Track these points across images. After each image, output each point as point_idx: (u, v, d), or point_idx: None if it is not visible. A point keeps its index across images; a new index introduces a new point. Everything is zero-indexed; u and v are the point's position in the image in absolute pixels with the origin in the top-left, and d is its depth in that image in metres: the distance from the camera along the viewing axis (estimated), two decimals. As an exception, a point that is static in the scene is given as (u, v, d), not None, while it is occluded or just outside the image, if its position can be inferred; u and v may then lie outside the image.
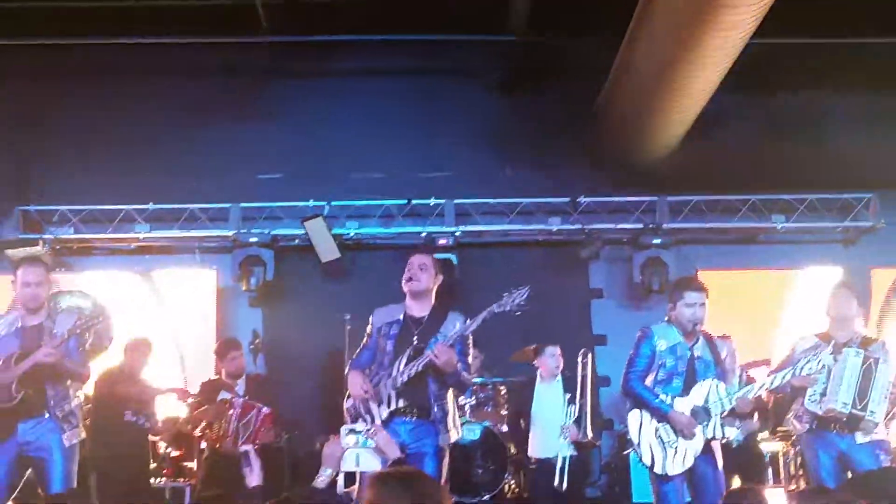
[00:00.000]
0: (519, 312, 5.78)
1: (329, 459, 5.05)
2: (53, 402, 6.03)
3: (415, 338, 5.81)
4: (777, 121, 10.53)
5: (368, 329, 6.05)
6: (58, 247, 10.37)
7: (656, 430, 6.04)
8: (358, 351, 6.08)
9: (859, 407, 6.20)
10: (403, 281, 5.91)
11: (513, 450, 8.52)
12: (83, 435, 6.21)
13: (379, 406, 5.77)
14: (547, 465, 7.78)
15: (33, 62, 10.45)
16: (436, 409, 5.79)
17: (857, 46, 10.03)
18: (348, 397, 5.97)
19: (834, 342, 6.35)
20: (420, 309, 5.92)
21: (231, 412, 7.61)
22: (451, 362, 5.68)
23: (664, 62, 8.31)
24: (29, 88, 10.57)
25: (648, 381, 6.13)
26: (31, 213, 10.45)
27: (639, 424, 6.11)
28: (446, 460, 5.88)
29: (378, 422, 5.69)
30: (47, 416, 5.97)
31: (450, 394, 5.88)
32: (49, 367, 5.94)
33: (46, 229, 10.44)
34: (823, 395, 6.28)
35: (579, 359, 7.96)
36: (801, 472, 8.07)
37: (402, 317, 5.93)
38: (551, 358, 8.12)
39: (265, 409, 7.59)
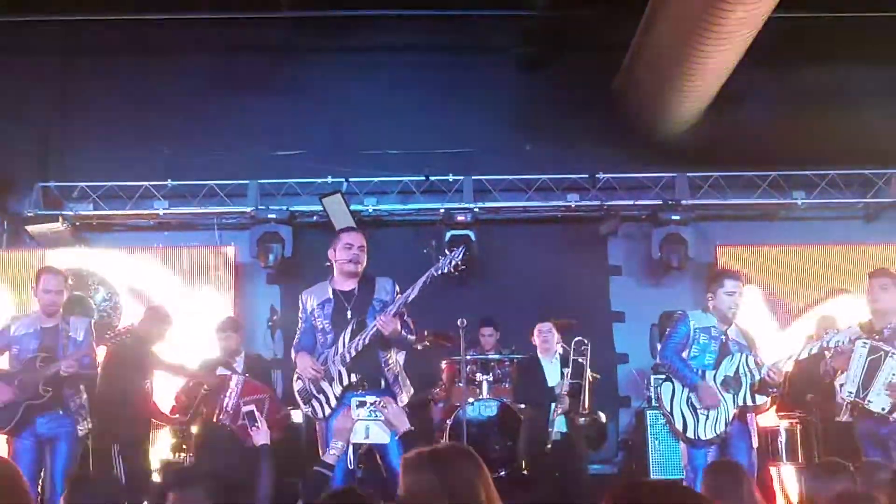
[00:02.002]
0: (457, 273, 5.81)
1: (340, 433, 5.07)
2: (68, 399, 6.83)
3: (348, 311, 5.90)
4: (798, 96, 10.42)
5: (301, 312, 6.11)
6: (77, 223, 10.42)
7: (688, 399, 6.37)
8: (297, 336, 6.15)
9: (861, 395, 6.27)
10: (342, 261, 5.98)
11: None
12: (90, 426, 6.96)
13: (331, 384, 5.83)
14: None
15: (53, 39, 10.50)
16: (387, 375, 5.88)
17: (879, 20, 9.90)
18: (297, 380, 6.03)
19: (872, 331, 6.47)
20: (348, 283, 6.00)
21: (230, 388, 7.66)
22: (396, 330, 5.79)
23: (684, 37, 8.25)
24: (49, 65, 10.62)
25: (683, 356, 6.45)
26: (51, 189, 10.50)
27: (671, 394, 6.44)
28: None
29: (333, 401, 5.77)
30: (61, 412, 6.78)
31: (393, 355, 6.00)
32: (66, 375, 6.72)
33: (66, 205, 10.49)
34: (842, 384, 6.52)
35: (578, 347, 7.94)
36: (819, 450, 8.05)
37: (331, 294, 5.99)
38: (539, 335, 8.13)
39: (261, 395, 7.62)
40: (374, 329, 5.79)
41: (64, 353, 6.78)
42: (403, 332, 5.87)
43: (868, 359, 6.32)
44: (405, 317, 5.95)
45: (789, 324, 10.18)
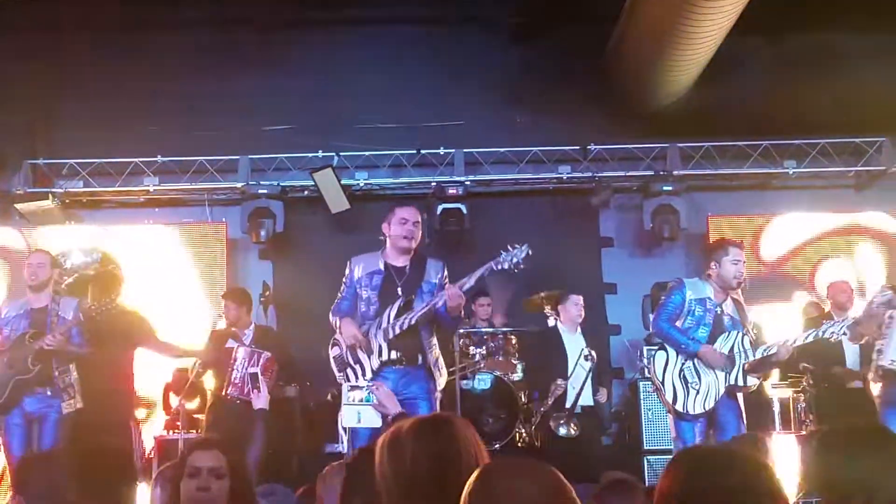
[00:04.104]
0: (516, 271, 5.83)
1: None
2: (57, 375, 6.88)
3: (399, 288, 5.91)
4: (789, 64, 10.39)
5: (346, 278, 6.10)
6: (67, 200, 10.36)
7: (681, 371, 6.36)
8: (338, 299, 6.13)
9: None
10: (396, 234, 5.95)
11: (523, 399, 8.54)
12: (79, 405, 6.94)
13: (369, 356, 5.84)
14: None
15: (41, 15, 10.39)
16: (428, 357, 5.92)
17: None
18: (333, 345, 6.03)
19: None
20: (401, 259, 6.01)
21: (236, 360, 7.66)
22: (460, 307, 5.78)
23: (674, 6, 8.21)
24: (37, 42, 10.51)
25: (677, 325, 6.44)
26: (40, 166, 10.44)
27: (664, 364, 6.43)
28: (437, 404, 5.98)
29: (369, 373, 5.79)
30: (49, 391, 6.86)
31: (434, 339, 6.00)
32: (54, 350, 6.82)
33: (55, 183, 10.44)
34: (880, 351, 6.58)
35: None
36: (811, 418, 8.11)
37: (382, 266, 5.98)
38: (574, 307, 8.14)
39: (266, 354, 7.65)
40: (426, 309, 5.80)
41: (52, 331, 6.85)
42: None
43: None
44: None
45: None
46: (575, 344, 8.08)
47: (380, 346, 5.88)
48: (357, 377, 5.92)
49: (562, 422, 7.80)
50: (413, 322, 5.85)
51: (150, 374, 8.49)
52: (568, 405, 7.91)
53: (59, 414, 6.86)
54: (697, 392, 6.30)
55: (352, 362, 5.95)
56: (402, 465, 2.82)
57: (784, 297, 10.09)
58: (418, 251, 6.12)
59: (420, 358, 5.94)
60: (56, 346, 6.78)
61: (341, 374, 6.04)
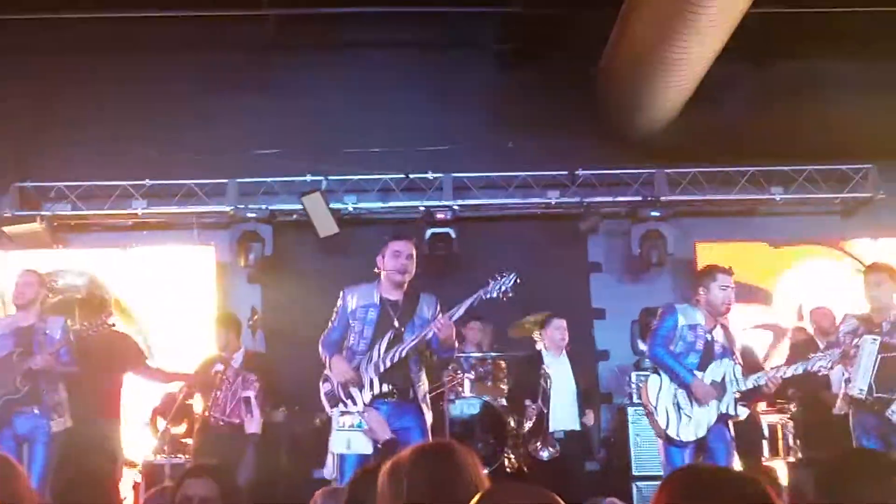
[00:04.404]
0: (504, 299, 5.85)
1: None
2: (45, 396, 6.83)
3: (395, 322, 5.91)
4: (775, 91, 10.43)
5: (338, 308, 6.09)
6: (55, 223, 10.32)
7: (674, 397, 6.36)
8: (328, 330, 6.12)
9: (877, 393, 6.30)
10: (390, 269, 5.96)
11: (512, 424, 8.52)
12: (69, 424, 6.92)
13: (360, 391, 5.83)
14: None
15: (30, 37, 10.38)
16: (418, 390, 5.92)
17: (856, 15, 9.94)
18: (325, 381, 6.02)
19: (871, 325, 6.55)
20: (395, 293, 6.00)
21: (223, 384, 7.63)
22: (452, 336, 5.78)
23: (661, 33, 8.27)
24: (25, 64, 10.51)
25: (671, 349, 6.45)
26: (27, 189, 10.41)
27: (657, 389, 6.42)
28: (429, 436, 5.98)
29: (360, 406, 5.78)
30: (38, 410, 6.78)
31: (423, 374, 6.02)
32: (42, 370, 6.77)
33: (43, 205, 10.40)
34: (848, 380, 6.55)
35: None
36: (798, 444, 8.12)
37: (377, 300, 5.98)
38: (556, 331, 8.13)
39: (252, 377, 7.63)
40: (415, 342, 5.81)
41: (40, 350, 6.80)
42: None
43: (879, 356, 6.35)
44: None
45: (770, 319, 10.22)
46: (559, 368, 8.07)
47: (371, 380, 5.86)
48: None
49: (538, 446, 7.77)
50: (403, 355, 5.85)
51: (137, 398, 8.44)
52: (552, 429, 7.89)
53: (49, 434, 6.80)
54: (690, 419, 6.31)
55: (343, 397, 5.93)
56: (400, 493, 2.82)
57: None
58: (412, 286, 6.12)
59: (411, 392, 5.94)
60: (44, 366, 6.74)
61: (334, 409, 6.02)
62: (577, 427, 7.97)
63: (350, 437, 5.33)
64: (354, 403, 5.88)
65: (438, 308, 6.00)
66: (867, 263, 7.06)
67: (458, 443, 3.05)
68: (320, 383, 6.10)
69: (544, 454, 7.73)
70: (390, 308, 5.98)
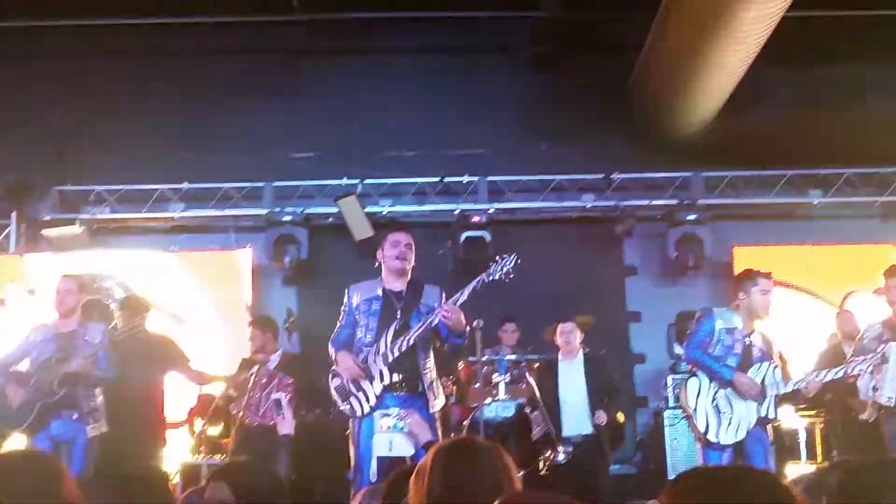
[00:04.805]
0: (507, 280, 5.81)
1: None
2: (82, 401, 6.89)
3: (398, 311, 5.91)
4: (814, 94, 10.39)
5: (345, 306, 6.11)
6: (94, 226, 10.45)
7: (713, 399, 6.35)
8: (336, 329, 6.15)
9: None
10: (389, 258, 5.99)
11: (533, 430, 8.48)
12: (104, 428, 6.97)
13: (371, 382, 5.83)
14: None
15: (70, 42, 10.53)
16: (424, 379, 5.89)
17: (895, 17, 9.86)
18: (333, 377, 6.02)
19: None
20: (398, 284, 6.01)
21: (257, 385, 7.68)
22: (461, 320, 5.77)
23: (698, 37, 8.24)
24: (65, 69, 10.65)
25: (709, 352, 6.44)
26: (67, 192, 10.54)
27: (697, 392, 6.42)
28: (439, 427, 5.97)
29: (372, 399, 5.78)
30: (76, 415, 6.85)
31: (431, 362, 6.00)
32: (79, 374, 6.82)
33: (83, 209, 10.53)
34: (875, 388, 6.53)
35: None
36: (835, 452, 8.05)
37: (380, 292, 5.99)
38: (562, 335, 8.11)
39: (288, 379, 7.66)
40: (421, 329, 5.81)
41: (78, 355, 6.85)
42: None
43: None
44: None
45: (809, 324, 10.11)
46: (571, 371, 8.04)
47: (380, 371, 5.87)
48: (361, 405, 5.92)
49: (549, 453, 7.75)
50: (411, 343, 5.84)
51: (176, 399, 8.51)
52: (564, 433, 7.88)
53: (86, 438, 6.86)
54: (730, 422, 6.29)
55: (354, 391, 5.93)
56: (422, 494, 2.81)
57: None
58: (415, 276, 6.13)
59: (420, 383, 5.94)
60: (81, 370, 6.80)
61: (345, 403, 6.03)
62: (589, 430, 7.92)
63: (392, 438, 5.33)
64: (366, 396, 5.88)
65: (444, 297, 5.98)
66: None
67: (485, 440, 3.01)
68: (329, 378, 6.12)
69: (560, 457, 7.71)
70: (393, 298, 5.98)
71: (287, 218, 10.28)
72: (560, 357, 8.12)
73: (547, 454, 7.74)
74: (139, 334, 7.65)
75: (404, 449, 5.26)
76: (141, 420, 7.54)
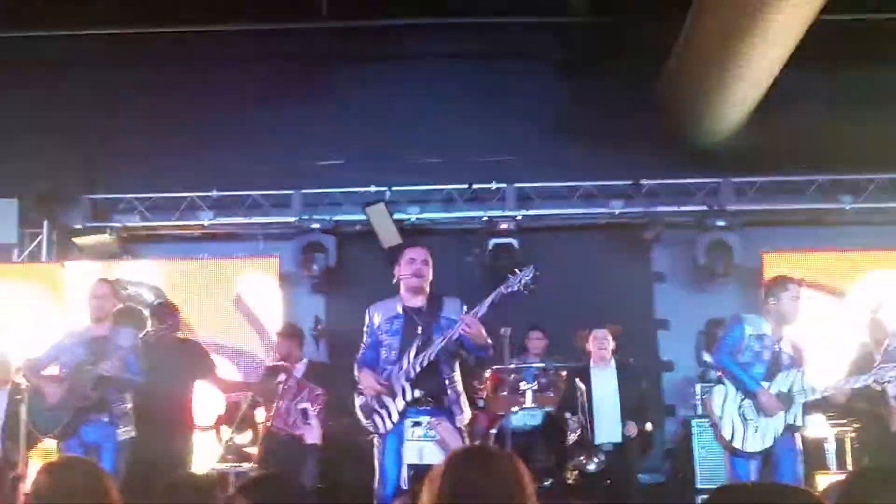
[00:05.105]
0: (527, 292, 5.79)
1: None
2: (113, 404, 6.94)
3: (419, 328, 5.88)
4: (845, 98, 10.30)
5: (367, 327, 6.11)
6: (124, 234, 10.53)
7: (740, 407, 6.32)
8: (361, 350, 6.13)
9: None
10: (406, 275, 5.96)
11: (568, 436, 8.45)
12: (133, 433, 7.00)
13: (394, 399, 5.82)
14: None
15: (99, 51, 10.62)
16: (450, 394, 5.87)
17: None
18: (359, 395, 6.02)
19: None
20: (417, 300, 5.99)
21: (285, 394, 7.69)
22: (482, 333, 5.75)
23: (728, 41, 8.19)
24: (95, 77, 10.74)
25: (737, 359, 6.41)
26: (98, 201, 10.63)
27: (723, 399, 6.38)
28: (467, 441, 5.96)
29: (395, 416, 5.77)
30: (106, 419, 6.91)
31: (458, 375, 5.98)
32: (111, 378, 6.86)
33: (113, 217, 10.62)
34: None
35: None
36: (865, 460, 7.96)
37: (400, 310, 5.98)
38: (595, 341, 8.08)
39: (318, 390, 7.67)
40: (444, 342, 5.79)
41: (110, 358, 6.90)
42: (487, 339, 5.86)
43: None
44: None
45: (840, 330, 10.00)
46: (603, 379, 8.00)
47: (403, 388, 5.85)
48: (384, 422, 5.91)
49: (582, 459, 7.73)
50: (432, 358, 5.81)
51: (203, 406, 8.55)
52: (596, 441, 7.85)
53: (116, 442, 6.91)
54: (756, 430, 6.25)
55: (378, 408, 5.93)
56: (433, 500, 2.81)
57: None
58: (434, 291, 6.11)
59: (445, 398, 5.91)
60: (113, 373, 6.84)
61: (368, 421, 6.02)
62: (618, 440, 7.91)
63: (422, 447, 5.33)
64: (389, 412, 5.88)
65: (464, 310, 5.95)
66: None
67: (501, 450, 3.01)
68: (354, 396, 6.12)
69: (591, 466, 7.69)
70: (414, 315, 5.96)
71: (315, 225, 10.31)
72: (592, 364, 8.09)
73: (581, 460, 7.71)
74: (169, 340, 7.70)
75: (435, 457, 5.26)
76: (169, 425, 7.57)
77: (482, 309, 5.80)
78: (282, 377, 7.85)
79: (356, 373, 6.09)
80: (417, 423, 5.58)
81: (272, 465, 7.40)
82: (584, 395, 7.87)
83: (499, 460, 2.89)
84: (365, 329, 6.16)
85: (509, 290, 5.80)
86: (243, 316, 10.21)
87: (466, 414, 6.01)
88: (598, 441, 7.87)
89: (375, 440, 6.04)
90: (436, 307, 6.00)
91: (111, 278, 7.98)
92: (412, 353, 5.85)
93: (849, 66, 10.28)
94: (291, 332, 8.31)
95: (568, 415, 7.86)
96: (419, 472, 5.58)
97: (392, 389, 5.85)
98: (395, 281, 6.14)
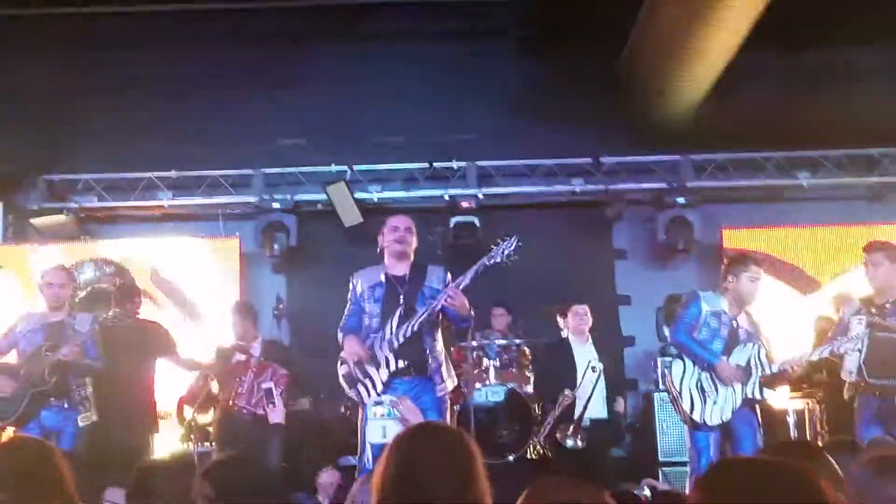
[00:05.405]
0: (509, 263, 5.81)
1: (326, 489, 4.99)
2: (73, 389, 6.91)
3: (401, 297, 5.90)
4: (802, 76, 10.37)
5: (350, 294, 6.11)
6: (82, 215, 10.44)
7: (698, 382, 6.35)
8: (344, 317, 6.14)
9: (870, 376, 6.25)
10: (389, 242, 5.99)
11: (537, 411, 8.52)
12: (94, 418, 6.96)
13: (377, 369, 5.84)
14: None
15: (56, 31, 10.45)
16: (431, 363, 5.90)
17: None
18: (342, 363, 6.03)
19: (873, 306, 6.50)
20: (400, 268, 6.01)
21: (246, 372, 7.66)
22: (465, 304, 5.78)
23: (687, 19, 8.22)
24: (51, 57, 10.57)
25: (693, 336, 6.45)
26: (55, 181, 10.52)
27: (681, 374, 6.42)
28: (448, 410, 5.99)
29: (379, 386, 5.79)
30: (66, 404, 6.88)
31: (440, 345, 6.01)
32: (69, 362, 6.82)
33: (70, 198, 10.51)
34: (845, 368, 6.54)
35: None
36: (826, 429, 8.08)
37: (383, 278, 6.00)
38: (574, 316, 8.11)
39: (282, 371, 7.65)
40: (427, 314, 5.81)
41: (68, 343, 6.85)
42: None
43: (868, 334, 6.32)
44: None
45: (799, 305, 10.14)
46: (583, 355, 8.05)
47: (386, 358, 5.87)
48: (368, 392, 5.91)
49: (568, 433, 7.76)
50: (416, 328, 5.83)
51: (166, 386, 8.50)
52: (576, 417, 7.88)
53: (76, 427, 6.88)
54: (714, 402, 6.30)
55: (361, 377, 5.93)
56: (379, 479, 2.82)
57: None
58: (417, 261, 6.13)
59: (427, 367, 5.94)
60: (71, 358, 6.79)
61: (352, 390, 6.02)
62: (604, 415, 7.95)
63: (385, 425, 5.34)
64: (373, 382, 5.89)
65: (449, 278, 5.97)
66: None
67: (448, 426, 3.03)
68: (338, 366, 6.12)
69: (569, 442, 7.72)
70: (396, 283, 5.96)
71: (276, 205, 10.28)
72: (572, 339, 8.11)
73: (568, 434, 7.73)
74: (128, 322, 7.63)
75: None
76: (131, 408, 7.53)
77: (466, 280, 5.82)
78: (240, 356, 7.81)
79: (340, 339, 6.08)
80: (379, 403, 5.58)
81: (233, 445, 7.36)
82: (597, 374, 7.85)
83: (445, 436, 2.90)
84: (349, 296, 6.15)
85: (492, 261, 5.82)
86: (162, 291, 10.13)
87: (449, 383, 6.03)
88: (577, 416, 7.91)
89: (360, 411, 6.02)
90: (419, 276, 6.01)
91: (71, 262, 7.88)
92: (394, 323, 5.86)
93: (805, 43, 10.34)
94: (247, 311, 8.27)
95: (567, 391, 7.85)
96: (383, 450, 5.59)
97: (375, 359, 5.86)
98: (379, 251, 6.13)
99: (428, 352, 5.93)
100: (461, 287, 5.80)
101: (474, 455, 2.84)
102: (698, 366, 6.37)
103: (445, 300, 5.74)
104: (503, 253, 5.82)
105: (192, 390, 8.33)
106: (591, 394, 7.76)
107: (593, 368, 7.82)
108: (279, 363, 7.81)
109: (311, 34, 10.84)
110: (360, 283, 6.10)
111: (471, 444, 2.88)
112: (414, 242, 6.07)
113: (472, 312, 5.95)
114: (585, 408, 7.81)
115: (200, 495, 3.55)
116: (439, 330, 6.04)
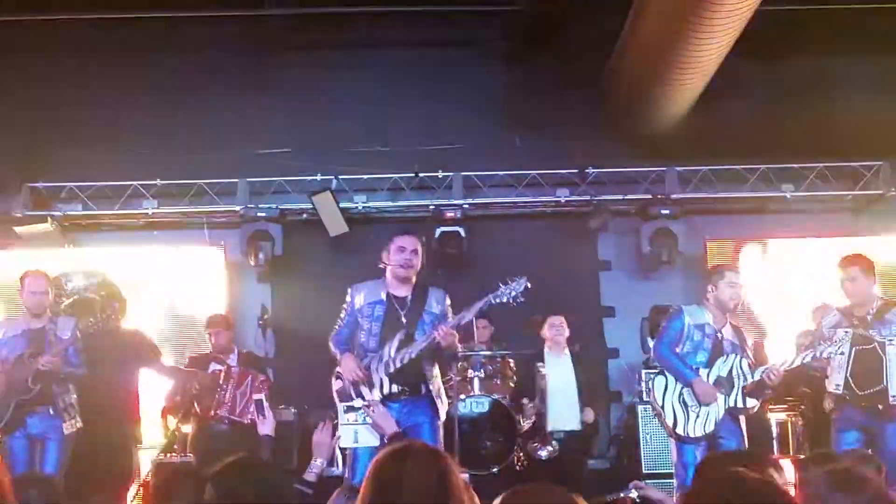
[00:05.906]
0: (514, 304, 5.84)
1: (320, 448, 4.98)
2: (57, 396, 6.90)
3: (403, 319, 5.89)
4: (787, 88, 10.43)
5: (346, 305, 6.08)
6: (66, 223, 10.39)
7: (680, 395, 6.43)
8: (337, 327, 6.11)
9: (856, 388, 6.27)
10: (395, 264, 5.94)
11: (522, 422, 8.52)
12: (79, 425, 6.98)
13: (371, 390, 5.83)
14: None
15: (40, 38, 10.41)
16: (430, 388, 5.90)
17: (866, 12, 9.91)
18: (336, 378, 6.01)
19: (852, 318, 6.55)
20: (403, 289, 5.98)
21: (227, 382, 7.64)
22: (455, 344, 5.82)
23: (672, 31, 8.25)
24: (36, 65, 10.55)
25: (676, 351, 6.52)
26: (39, 189, 10.45)
27: (664, 388, 6.50)
28: (441, 431, 5.98)
29: None
30: (52, 411, 6.85)
31: (436, 369, 6.03)
32: (51, 371, 6.81)
33: (54, 206, 10.46)
34: (828, 377, 6.58)
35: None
36: (806, 443, 8.11)
37: (384, 297, 5.96)
38: (549, 328, 8.12)
39: (261, 377, 7.64)
40: (425, 344, 5.81)
41: (50, 350, 6.84)
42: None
43: (853, 350, 6.35)
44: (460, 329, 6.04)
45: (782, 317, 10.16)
46: (560, 366, 8.05)
47: (381, 381, 5.86)
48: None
49: (536, 444, 7.78)
50: (413, 356, 5.84)
51: (151, 396, 8.48)
52: (549, 428, 7.90)
53: (62, 435, 6.87)
54: (697, 415, 6.35)
55: (354, 395, 5.93)
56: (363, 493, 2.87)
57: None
58: (420, 280, 6.10)
59: (423, 387, 5.93)
60: (51, 367, 6.77)
61: (352, 401, 6.03)
62: (577, 427, 7.97)
63: (356, 430, 5.34)
64: (364, 402, 5.88)
65: (448, 302, 5.99)
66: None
67: (426, 445, 3.07)
68: (332, 380, 6.10)
69: (543, 453, 7.74)
70: (397, 304, 5.96)
71: (261, 214, 10.24)
72: (547, 350, 8.12)
73: (535, 446, 7.75)
74: (111, 330, 7.60)
75: (369, 440, 5.29)
76: (114, 416, 7.50)
77: (468, 315, 5.87)
78: (216, 366, 7.80)
79: (334, 352, 6.06)
80: (352, 408, 5.59)
81: (209, 454, 7.34)
82: (545, 382, 7.90)
83: (421, 456, 2.92)
84: (344, 307, 6.12)
85: (498, 300, 5.86)
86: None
87: (444, 405, 6.06)
88: (551, 428, 7.92)
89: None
90: (421, 299, 6.01)
91: (51, 272, 7.83)
92: (394, 347, 5.84)
93: (790, 55, 10.42)
94: (228, 324, 8.29)
95: (525, 401, 7.88)
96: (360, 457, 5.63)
97: (370, 380, 5.85)
98: (381, 266, 6.11)
99: (427, 376, 5.96)
100: (462, 322, 5.86)
101: (451, 472, 2.87)
102: (679, 381, 6.43)
103: (440, 337, 5.75)
104: (510, 294, 5.85)
105: (176, 400, 8.30)
106: (545, 404, 7.76)
107: (539, 377, 7.85)
108: (256, 373, 7.81)
109: (297, 43, 10.85)
110: (359, 298, 6.07)
111: (448, 462, 2.91)
112: (419, 265, 6.04)
113: (459, 351, 6.01)
114: (547, 418, 7.82)
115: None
116: (435, 359, 6.06)
